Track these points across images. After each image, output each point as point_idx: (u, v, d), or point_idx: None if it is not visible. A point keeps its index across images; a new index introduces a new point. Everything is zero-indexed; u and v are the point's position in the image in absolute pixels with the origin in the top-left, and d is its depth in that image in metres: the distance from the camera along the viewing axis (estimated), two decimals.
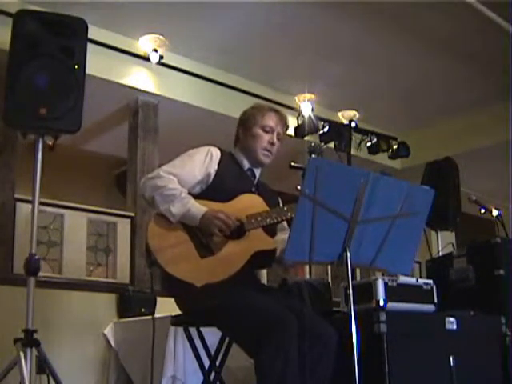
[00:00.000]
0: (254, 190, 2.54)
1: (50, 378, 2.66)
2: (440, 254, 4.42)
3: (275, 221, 2.37)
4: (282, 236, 2.48)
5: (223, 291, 2.22)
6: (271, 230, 2.46)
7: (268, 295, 2.33)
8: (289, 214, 2.35)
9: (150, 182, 2.36)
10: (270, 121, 2.55)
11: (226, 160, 2.51)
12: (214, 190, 2.43)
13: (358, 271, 5.12)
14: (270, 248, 2.39)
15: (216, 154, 2.49)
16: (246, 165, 2.58)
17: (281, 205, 2.64)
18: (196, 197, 2.40)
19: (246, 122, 2.58)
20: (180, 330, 2.93)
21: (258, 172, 2.62)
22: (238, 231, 2.34)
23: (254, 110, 2.61)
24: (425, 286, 2.98)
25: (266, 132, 2.54)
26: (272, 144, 2.55)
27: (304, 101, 5.59)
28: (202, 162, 2.44)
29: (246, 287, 2.28)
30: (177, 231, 2.32)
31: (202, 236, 2.31)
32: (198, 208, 2.31)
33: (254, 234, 2.36)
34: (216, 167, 2.45)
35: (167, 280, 2.32)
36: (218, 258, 2.30)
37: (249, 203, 2.42)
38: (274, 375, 2.02)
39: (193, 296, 2.27)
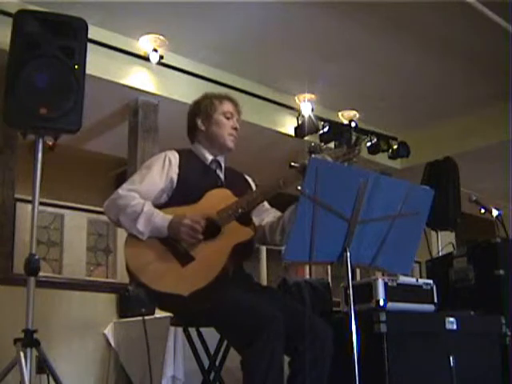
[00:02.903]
0: (220, 183, 2.52)
1: (50, 377, 2.67)
2: (440, 253, 4.42)
3: (246, 209, 2.34)
4: (269, 219, 2.50)
5: (213, 293, 2.19)
6: (246, 219, 2.42)
7: (260, 295, 2.32)
8: (259, 199, 2.36)
9: (112, 204, 2.35)
10: (230, 107, 2.56)
11: (186, 160, 2.49)
12: (181, 193, 2.40)
13: (358, 271, 5.13)
14: (248, 238, 2.36)
15: (174, 157, 2.48)
16: (209, 157, 2.56)
17: (253, 186, 2.65)
18: (164, 205, 2.39)
19: (205, 111, 2.55)
20: (180, 330, 2.93)
21: (222, 160, 2.60)
22: (213, 229, 2.30)
23: (208, 98, 2.59)
24: (425, 286, 2.98)
25: (228, 118, 2.54)
26: (235, 129, 2.56)
27: (304, 101, 5.59)
28: (161, 170, 2.42)
29: (236, 287, 2.26)
30: (153, 245, 2.28)
31: (178, 244, 2.28)
32: (163, 219, 2.28)
33: (230, 228, 2.32)
34: (177, 170, 2.44)
35: (155, 297, 2.29)
36: (199, 261, 2.26)
37: (217, 199, 2.38)
38: (258, 374, 2.03)
39: (183, 306, 2.25)
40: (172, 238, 2.27)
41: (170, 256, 2.26)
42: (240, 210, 2.32)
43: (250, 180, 2.70)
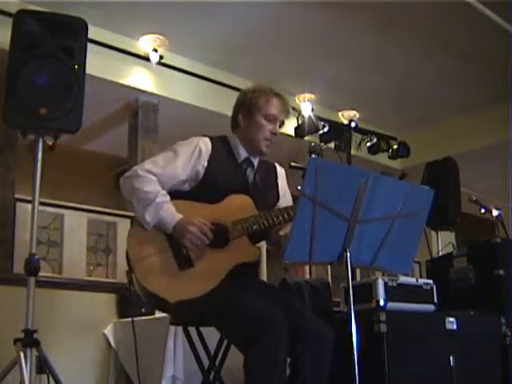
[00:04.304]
0: (247, 188, 2.39)
1: (50, 377, 2.66)
2: (440, 254, 4.42)
3: (262, 227, 2.24)
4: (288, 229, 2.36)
5: (199, 306, 2.15)
6: (259, 234, 2.34)
7: (263, 294, 2.28)
8: (277, 221, 2.24)
9: (128, 183, 2.27)
10: (274, 109, 2.42)
11: (219, 152, 2.37)
12: (205, 188, 2.31)
13: (358, 271, 5.13)
14: (252, 260, 2.28)
15: (206, 148, 2.34)
16: (243, 154, 2.43)
17: (280, 186, 2.53)
18: (184, 194, 2.31)
19: (248, 107, 2.42)
20: (180, 329, 2.93)
21: (256, 161, 2.48)
22: (222, 238, 2.24)
23: (256, 93, 2.43)
24: (425, 286, 2.98)
25: (269, 121, 2.41)
26: (275, 134, 2.43)
27: (304, 101, 5.59)
28: (188, 160, 2.30)
29: (239, 286, 2.21)
30: (157, 238, 2.22)
31: (182, 245, 2.21)
32: (172, 216, 2.21)
33: (238, 243, 2.24)
34: (206, 163, 2.32)
35: (143, 292, 2.22)
36: (198, 270, 2.19)
37: (237, 207, 2.28)
38: (261, 375, 2.01)
39: (167, 310, 2.25)
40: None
41: (171, 255, 2.21)
42: (255, 227, 2.24)
43: (280, 177, 2.57)
